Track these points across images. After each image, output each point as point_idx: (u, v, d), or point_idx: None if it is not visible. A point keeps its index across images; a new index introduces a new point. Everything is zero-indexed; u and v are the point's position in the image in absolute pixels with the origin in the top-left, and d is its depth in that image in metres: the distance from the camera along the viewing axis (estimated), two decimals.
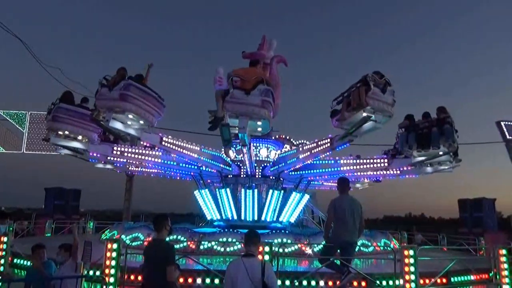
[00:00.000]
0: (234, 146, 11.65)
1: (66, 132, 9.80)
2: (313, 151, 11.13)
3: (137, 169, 14.54)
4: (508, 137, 8.92)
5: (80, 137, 10.16)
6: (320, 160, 12.88)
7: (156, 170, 14.51)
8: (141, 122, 8.59)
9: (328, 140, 10.49)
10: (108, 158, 11.99)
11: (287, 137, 16.56)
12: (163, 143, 10.33)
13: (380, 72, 8.44)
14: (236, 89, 7.83)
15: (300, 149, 12.20)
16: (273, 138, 14.78)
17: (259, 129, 8.58)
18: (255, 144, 13.64)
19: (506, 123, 8.87)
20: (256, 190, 12.64)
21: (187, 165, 12.77)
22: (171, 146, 10.61)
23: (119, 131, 8.79)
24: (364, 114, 8.12)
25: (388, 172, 12.30)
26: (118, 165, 13.42)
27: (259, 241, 4.12)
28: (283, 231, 11.10)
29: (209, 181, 14.46)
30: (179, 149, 10.82)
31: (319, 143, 10.91)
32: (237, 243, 9.40)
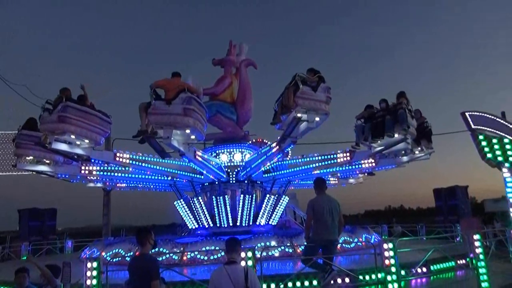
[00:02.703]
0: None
1: (31, 158, 9.96)
2: (267, 154, 11.11)
3: (123, 185, 14.45)
4: (473, 126, 9.09)
5: (47, 161, 10.24)
6: (287, 160, 13.00)
7: (135, 184, 14.40)
8: (86, 141, 8.63)
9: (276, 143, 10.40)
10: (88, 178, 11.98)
11: (264, 140, 16.65)
12: (117, 158, 10.21)
13: (314, 68, 8.28)
14: (157, 100, 7.87)
15: (260, 152, 12.20)
16: (249, 142, 14.83)
17: (192, 137, 8.57)
18: (229, 150, 13.64)
19: (470, 113, 9.11)
20: (227, 196, 12.63)
21: (156, 177, 12.63)
22: (127, 161, 10.46)
23: (66, 153, 8.88)
24: (298, 115, 7.93)
25: (360, 166, 12.46)
26: (97, 183, 13.39)
27: (240, 247, 4.13)
28: (265, 234, 11.15)
29: (198, 191, 14.42)
30: (137, 163, 10.69)
31: (272, 145, 10.89)
32: (220, 250, 9.36)
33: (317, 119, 8.15)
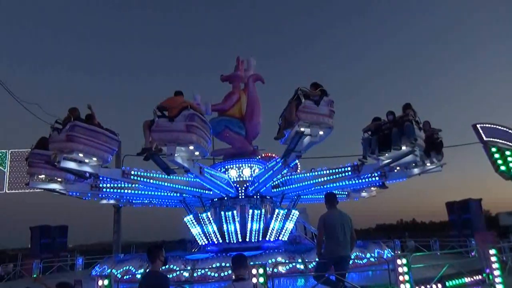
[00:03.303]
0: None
1: (43, 176, 10.18)
2: (274, 169, 11.08)
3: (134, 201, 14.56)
4: (485, 138, 8.98)
5: (59, 179, 10.42)
6: (296, 175, 12.92)
7: (146, 201, 14.45)
8: (94, 159, 8.78)
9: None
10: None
11: (274, 155, 16.62)
12: (125, 176, 10.35)
13: (317, 83, 8.27)
14: (160, 117, 7.96)
15: (266, 167, 12.20)
16: (258, 157, 14.82)
17: (196, 153, 8.61)
18: (237, 165, 13.64)
19: (482, 125, 9.00)
20: (236, 211, 12.55)
21: (165, 193, 12.65)
22: (136, 178, 10.60)
23: (76, 171, 9.07)
24: (300, 129, 7.89)
25: (372, 179, 12.31)
26: (110, 200, 13.56)
27: (247, 263, 4.09)
28: (276, 250, 11.03)
29: (208, 206, 14.40)
30: (145, 179, 10.83)
31: (278, 160, 10.87)
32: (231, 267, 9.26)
33: (321, 133, 8.14)
